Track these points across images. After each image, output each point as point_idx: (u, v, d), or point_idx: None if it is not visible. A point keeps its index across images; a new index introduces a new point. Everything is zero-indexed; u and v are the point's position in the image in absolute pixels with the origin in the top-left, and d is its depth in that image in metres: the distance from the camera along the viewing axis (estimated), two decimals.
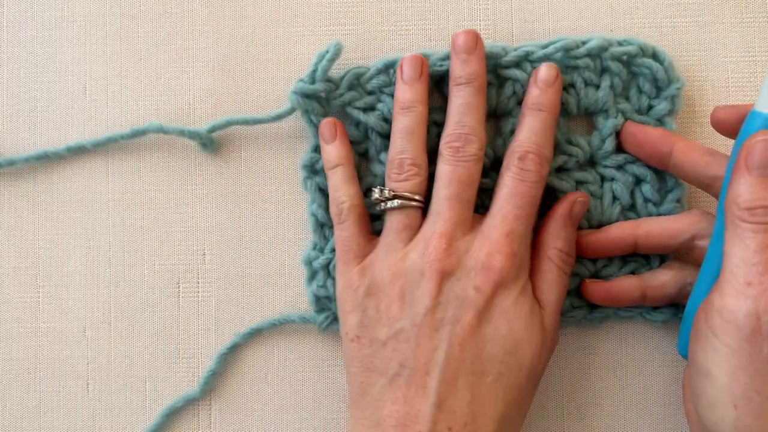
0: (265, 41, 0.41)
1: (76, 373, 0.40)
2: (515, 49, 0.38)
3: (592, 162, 0.39)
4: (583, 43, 0.38)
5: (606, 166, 0.39)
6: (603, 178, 0.39)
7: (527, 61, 0.38)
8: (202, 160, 0.41)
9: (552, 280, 0.36)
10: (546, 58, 0.38)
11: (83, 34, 0.41)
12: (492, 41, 0.40)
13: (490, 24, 0.40)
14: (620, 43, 0.38)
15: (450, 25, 0.40)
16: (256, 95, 0.40)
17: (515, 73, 0.38)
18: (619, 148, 0.39)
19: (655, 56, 0.38)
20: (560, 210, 0.37)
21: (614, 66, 0.38)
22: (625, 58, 0.38)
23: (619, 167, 0.39)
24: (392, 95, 0.38)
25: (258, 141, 0.41)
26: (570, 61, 0.38)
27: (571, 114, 0.39)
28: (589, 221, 0.39)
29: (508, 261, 0.34)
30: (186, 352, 0.40)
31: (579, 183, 0.39)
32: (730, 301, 0.30)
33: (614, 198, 0.39)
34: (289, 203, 0.41)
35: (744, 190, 0.30)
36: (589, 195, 0.38)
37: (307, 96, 0.38)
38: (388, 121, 0.38)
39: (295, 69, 0.40)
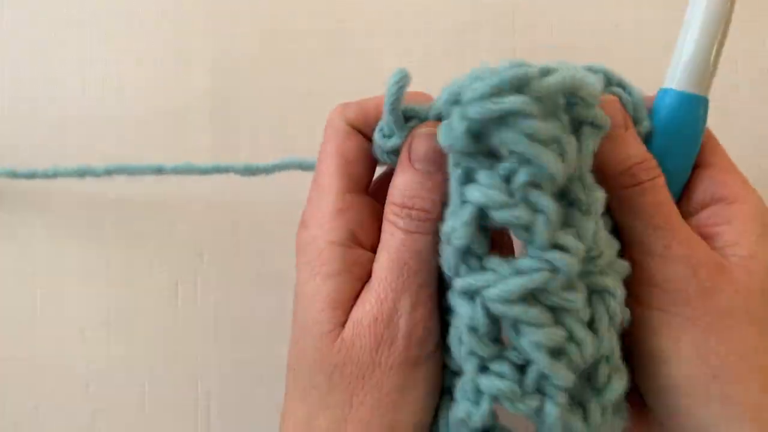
0: (264, 41, 0.40)
1: (75, 374, 0.40)
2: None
3: None
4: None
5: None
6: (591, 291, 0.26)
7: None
8: (202, 161, 0.40)
9: (383, 242, 0.28)
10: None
11: (82, 35, 0.41)
12: (490, 39, 0.39)
13: (490, 20, 0.40)
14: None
15: (451, 21, 0.40)
16: (256, 95, 0.40)
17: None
18: None
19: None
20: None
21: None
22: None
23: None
24: (528, 162, 0.24)
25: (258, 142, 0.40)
26: None
27: None
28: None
29: None
30: (185, 354, 0.40)
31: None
32: None
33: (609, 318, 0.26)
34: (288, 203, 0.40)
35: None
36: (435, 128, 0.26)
37: (392, 153, 0.29)
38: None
39: (296, 69, 0.40)
